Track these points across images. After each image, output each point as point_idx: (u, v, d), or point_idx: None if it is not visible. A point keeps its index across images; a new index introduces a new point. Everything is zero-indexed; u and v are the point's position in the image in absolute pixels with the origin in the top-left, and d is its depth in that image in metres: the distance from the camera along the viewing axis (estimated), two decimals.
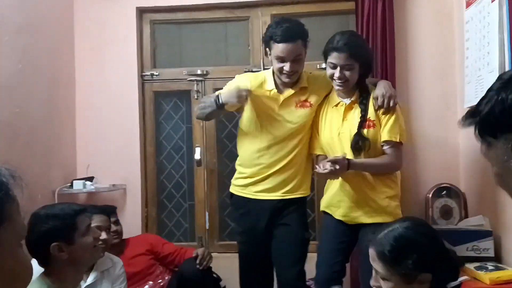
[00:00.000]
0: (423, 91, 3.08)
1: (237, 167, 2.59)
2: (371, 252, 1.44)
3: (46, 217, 1.71)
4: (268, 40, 2.37)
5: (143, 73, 3.41)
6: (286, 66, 2.33)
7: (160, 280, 2.87)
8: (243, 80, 2.50)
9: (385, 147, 2.30)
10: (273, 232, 2.49)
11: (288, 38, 2.29)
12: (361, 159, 2.29)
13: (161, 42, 3.48)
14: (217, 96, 2.35)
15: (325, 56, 2.31)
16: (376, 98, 2.29)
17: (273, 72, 2.46)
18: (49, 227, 1.67)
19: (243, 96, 2.29)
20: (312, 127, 2.48)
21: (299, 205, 2.50)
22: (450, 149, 3.03)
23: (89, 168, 3.29)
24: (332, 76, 2.30)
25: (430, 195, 2.92)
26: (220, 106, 2.35)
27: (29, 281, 0.74)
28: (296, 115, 2.43)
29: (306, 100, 2.44)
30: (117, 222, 2.88)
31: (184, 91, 3.42)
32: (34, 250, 1.68)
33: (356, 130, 2.28)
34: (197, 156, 3.16)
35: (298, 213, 2.48)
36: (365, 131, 2.28)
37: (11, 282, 0.69)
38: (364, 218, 2.32)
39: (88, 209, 1.85)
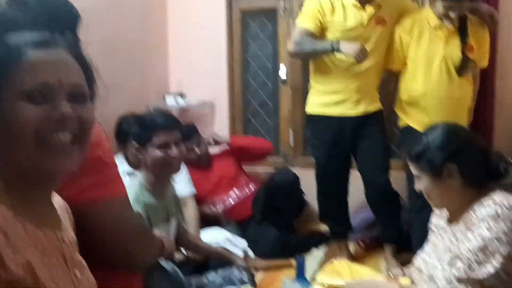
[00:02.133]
0: None
1: (313, 86, 2.62)
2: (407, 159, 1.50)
3: (134, 120, 1.92)
4: None
5: None
6: None
7: (246, 189, 3.03)
8: (313, 4, 2.49)
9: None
10: (356, 146, 2.56)
11: None
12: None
13: None
14: (332, 45, 2.35)
15: None
16: (491, 16, 2.42)
17: None
18: (132, 129, 1.89)
19: (363, 55, 2.29)
20: (395, 40, 2.49)
21: (378, 118, 2.56)
22: None
23: (180, 85, 3.47)
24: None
25: None
26: (335, 50, 2.35)
27: (16, 134, 0.73)
28: (374, 33, 2.45)
29: (382, 18, 2.46)
30: (199, 143, 2.99)
31: (271, 9, 3.41)
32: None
33: (459, 54, 2.38)
34: (282, 74, 3.19)
35: (377, 126, 2.55)
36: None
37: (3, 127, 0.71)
38: None
39: (172, 126, 1.92)
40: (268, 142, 3.28)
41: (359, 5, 2.44)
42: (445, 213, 1.55)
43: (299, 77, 3.36)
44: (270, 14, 3.44)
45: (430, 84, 2.43)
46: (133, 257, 1.01)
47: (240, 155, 3.14)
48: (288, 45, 2.55)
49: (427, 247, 1.57)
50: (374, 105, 2.55)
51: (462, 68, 2.39)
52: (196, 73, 3.47)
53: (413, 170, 1.47)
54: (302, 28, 2.49)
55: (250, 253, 2.63)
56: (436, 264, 1.44)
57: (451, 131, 1.50)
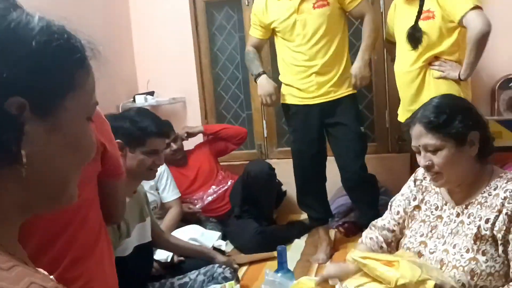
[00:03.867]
0: None
1: (281, 78, 2.63)
2: (416, 129, 1.40)
3: (131, 119, 1.78)
4: None
5: None
6: None
7: (223, 185, 3.00)
8: (259, 4, 2.52)
9: (466, 20, 2.03)
10: (328, 131, 2.55)
11: None
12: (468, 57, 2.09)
13: None
14: (255, 75, 2.59)
15: None
16: None
17: None
18: (126, 126, 1.75)
19: (270, 102, 2.52)
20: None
21: (350, 102, 2.51)
22: None
23: (149, 83, 3.40)
24: None
25: (497, 87, 2.75)
26: (255, 80, 2.60)
27: (90, 156, 0.69)
28: (316, 16, 2.39)
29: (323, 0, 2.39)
30: (176, 139, 2.96)
31: None
32: None
33: (412, 23, 2.18)
34: None
35: (350, 110, 2.50)
36: (422, 23, 2.17)
37: (73, 151, 0.66)
38: None
39: (166, 134, 1.87)
40: (241, 127, 3.24)
41: None
42: (436, 192, 1.51)
43: (269, 66, 3.32)
44: (234, 4, 3.39)
45: (397, 63, 2.34)
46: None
47: (215, 140, 3.11)
48: None
49: (421, 228, 1.49)
50: (340, 91, 2.48)
51: (411, 39, 2.18)
52: (165, 70, 3.41)
53: (432, 140, 1.37)
54: (250, 35, 2.66)
55: (223, 246, 2.60)
56: (448, 249, 1.39)
57: (463, 99, 1.56)
